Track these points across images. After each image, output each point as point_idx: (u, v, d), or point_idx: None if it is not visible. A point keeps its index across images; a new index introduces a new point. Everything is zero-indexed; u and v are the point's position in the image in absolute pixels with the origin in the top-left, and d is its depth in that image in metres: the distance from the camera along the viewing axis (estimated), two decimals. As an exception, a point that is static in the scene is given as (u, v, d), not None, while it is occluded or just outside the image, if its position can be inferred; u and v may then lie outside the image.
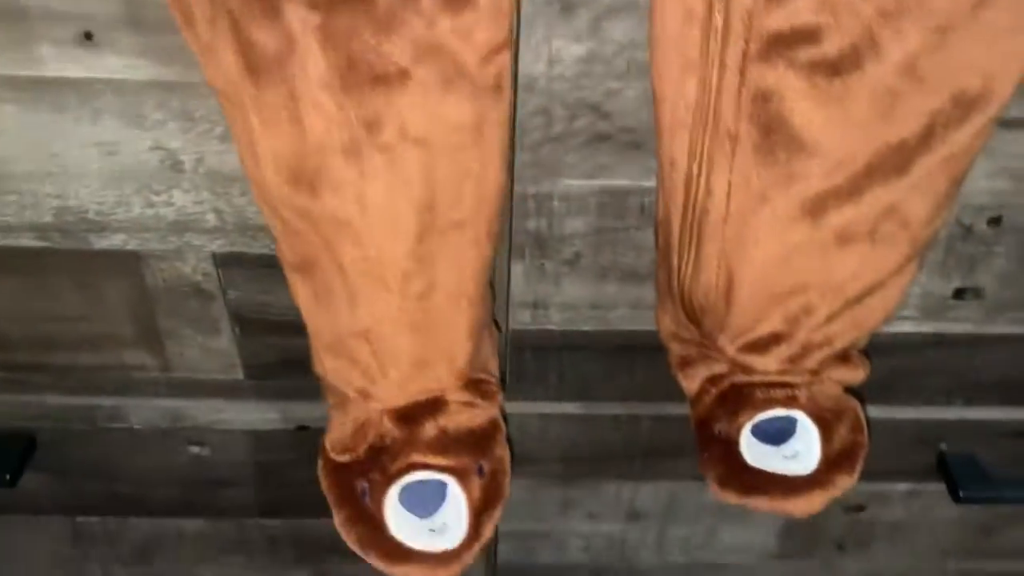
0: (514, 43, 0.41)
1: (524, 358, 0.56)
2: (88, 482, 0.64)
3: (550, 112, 0.43)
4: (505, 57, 0.35)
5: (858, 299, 0.40)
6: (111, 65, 0.41)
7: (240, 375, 0.56)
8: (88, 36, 0.40)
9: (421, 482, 0.45)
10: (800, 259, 0.38)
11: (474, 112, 0.35)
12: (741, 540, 0.71)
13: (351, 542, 0.47)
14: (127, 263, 0.50)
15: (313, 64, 0.33)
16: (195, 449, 0.62)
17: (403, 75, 0.33)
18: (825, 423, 0.44)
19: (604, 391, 0.58)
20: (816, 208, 0.36)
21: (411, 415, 0.45)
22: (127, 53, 0.41)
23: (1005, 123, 0.43)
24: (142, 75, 0.42)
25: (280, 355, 0.55)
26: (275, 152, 0.36)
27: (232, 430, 0.60)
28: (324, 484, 0.48)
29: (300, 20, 0.32)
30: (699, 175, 0.37)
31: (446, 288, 0.40)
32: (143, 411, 0.59)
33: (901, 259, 0.39)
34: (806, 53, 0.33)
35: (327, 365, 0.45)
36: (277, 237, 0.41)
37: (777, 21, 0.32)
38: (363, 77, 0.33)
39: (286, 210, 0.38)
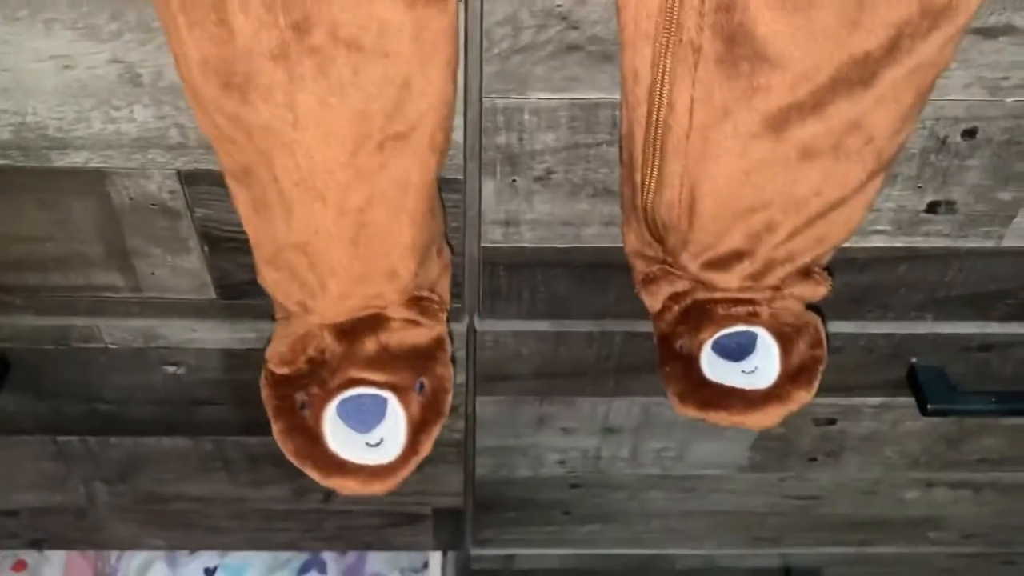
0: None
1: (497, 276, 0.56)
2: (67, 402, 0.65)
3: (518, 21, 0.42)
4: None
5: (821, 215, 0.40)
6: (60, -27, 0.40)
7: (212, 294, 0.56)
8: (34, -58, 0.39)
9: (360, 396, 0.46)
10: (762, 175, 0.38)
11: (412, 18, 0.34)
12: (714, 453, 0.72)
13: (288, 453, 0.47)
14: (91, 181, 0.49)
15: None
16: (170, 368, 0.62)
17: None
18: (785, 339, 0.45)
19: (577, 308, 0.58)
20: (779, 122, 0.36)
21: (351, 330, 0.45)
22: (76, -40, 0.39)
23: (982, 31, 0.43)
24: (93, -16, 0.40)
25: (252, 274, 0.54)
26: (203, 56, 0.35)
27: (207, 349, 0.60)
28: (264, 395, 0.48)
29: None
30: (661, 88, 0.36)
31: (386, 203, 0.40)
32: (116, 331, 0.59)
33: (865, 174, 0.39)
34: None
35: (268, 278, 0.44)
36: (214, 144, 0.40)
37: None
38: None
39: (219, 116, 0.37)
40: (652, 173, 0.40)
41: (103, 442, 0.69)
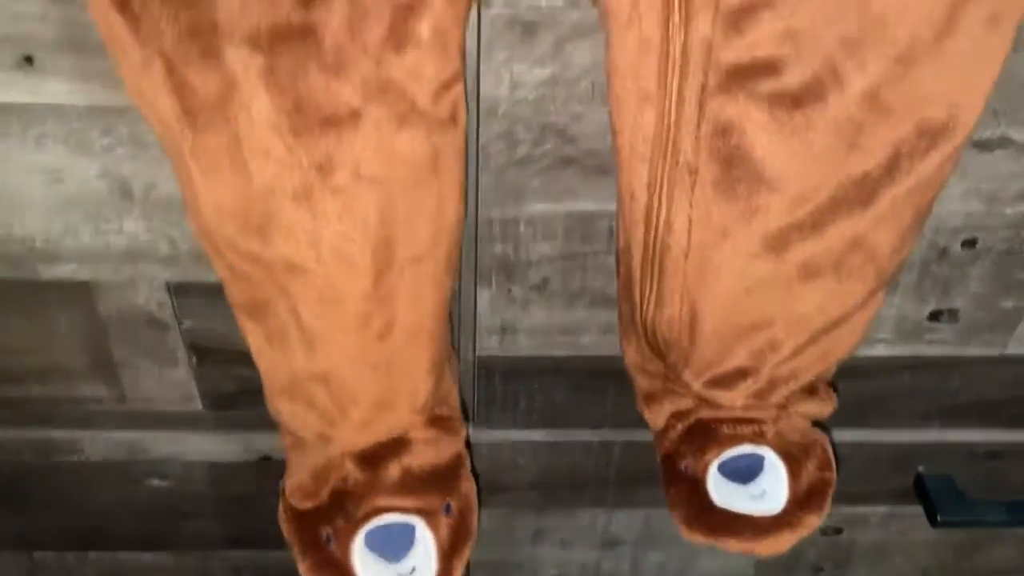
0: (473, 70, 0.39)
1: (493, 384, 0.54)
2: (45, 516, 0.62)
3: (513, 136, 0.42)
4: (459, 89, 0.34)
5: (824, 332, 0.39)
6: (54, 90, 0.40)
7: (199, 405, 0.55)
8: (28, 60, 0.39)
9: (388, 525, 0.44)
10: (764, 294, 0.37)
11: (430, 147, 0.34)
12: (718, 566, 0.69)
13: None
14: (78, 293, 0.48)
15: (258, 106, 0.31)
16: (155, 481, 0.60)
17: (354, 115, 0.32)
18: (793, 460, 0.43)
19: (576, 417, 0.57)
20: (779, 242, 0.35)
21: (373, 456, 0.43)
22: (70, 77, 0.39)
23: (978, 144, 0.43)
24: (87, 100, 0.40)
25: (239, 385, 0.53)
26: (218, 200, 0.34)
27: (193, 462, 0.58)
28: (286, 531, 0.46)
29: (242, 62, 0.30)
30: (659, 209, 0.36)
31: (405, 325, 0.39)
32: (99, 443, 0.57)
33: (867, 291, 0.38)
34: (767, 85, 0.32)
35: (282, 408, 0.43)
36: (225, 281, 0.39)
37: (737, 53, 0.31)
38: (312, 118, 0.32)
39: (232, 255, 0.36)
40: (651, 290, 0.39)
41: (81, 558, 0.66)
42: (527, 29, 0.38)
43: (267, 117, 0.32)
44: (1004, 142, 0.43)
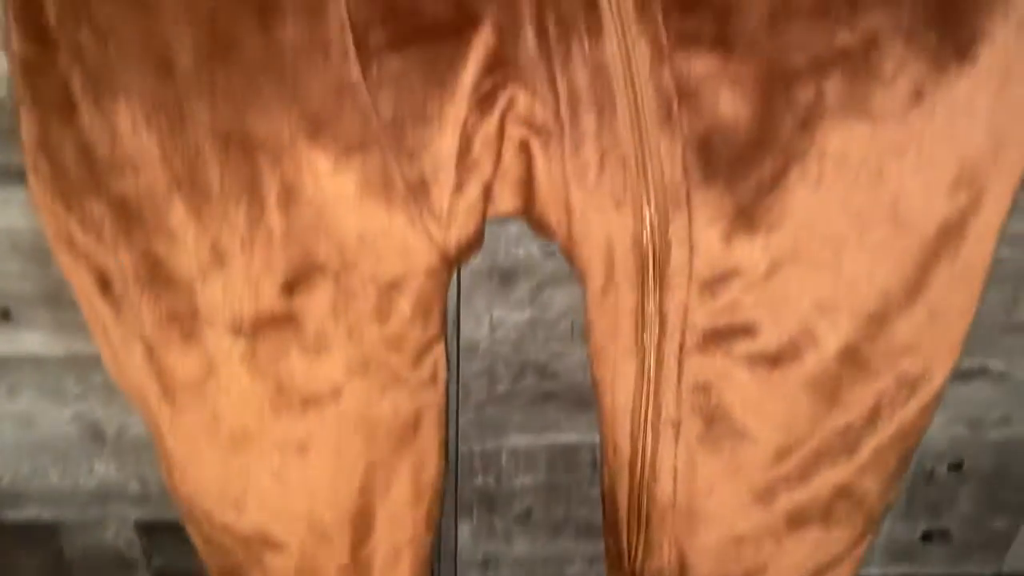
0: (453, 313, 0.40)
1: (475, 619, 0.52)
2: None
3: (494, 373, 0.42)
4: (439, 348, 0.34)
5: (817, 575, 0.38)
6: (29, 341, 0.39)
7: (165, 646, 0.52)
8: (5, 314, 0.38)
9: None
10: (753, 543, 0.36)
11: (412, 410, 0.34)
12: None
13: None
14: (43, 534, 0.46)
15: (238, 389, 0.31)
16: None
17: (336, 392, 0.32)
18: None
19: (563, 649, 0.54)
20: (765, 493, 0.35)
21: None
22: (45, 329, 0.39)
23: (959, 375, 0.43)
24: (62, 350, 0.40)
25: (208, 624, 0.50)
26: (195, 474, 0.33)
27: None
28: None
29: (223, 347, 0.30)
30: (643, 459, 0.35)
31: None
32: None
33: (856, 535, 0.37)
34: (744, 346, 0.32)
35: None
36: (197, 546, 0.37)
37: (712, 317, 0.32)
38: (294, 398, 0.31)
39: (207, 526, 0.35)
40: (639, 539, 0.38)
41: None
42: (505, 276, 0.39)
43: (247, 399, 0.31)
44: (982, 372, 0.43)
